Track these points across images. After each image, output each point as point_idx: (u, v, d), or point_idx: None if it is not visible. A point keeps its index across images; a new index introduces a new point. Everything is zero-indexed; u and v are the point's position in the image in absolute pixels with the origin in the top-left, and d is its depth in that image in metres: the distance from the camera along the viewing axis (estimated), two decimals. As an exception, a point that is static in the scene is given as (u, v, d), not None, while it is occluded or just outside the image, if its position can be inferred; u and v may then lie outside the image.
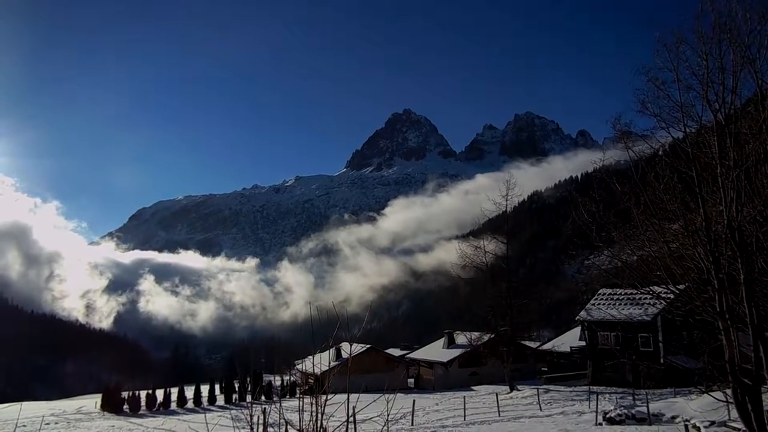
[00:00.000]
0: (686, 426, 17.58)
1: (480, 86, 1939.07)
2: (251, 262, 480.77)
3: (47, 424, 42.35)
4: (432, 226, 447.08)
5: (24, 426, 39.23)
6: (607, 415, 23.67)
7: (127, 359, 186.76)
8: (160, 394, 54.71)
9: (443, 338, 63.05)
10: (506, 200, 46.99)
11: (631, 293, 41.07)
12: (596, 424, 23.85)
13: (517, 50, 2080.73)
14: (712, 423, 18.76)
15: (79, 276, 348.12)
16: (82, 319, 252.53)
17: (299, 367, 63.31)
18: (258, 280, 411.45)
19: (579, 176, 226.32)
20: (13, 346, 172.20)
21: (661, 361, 39.62)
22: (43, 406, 61.70)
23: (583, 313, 46.81)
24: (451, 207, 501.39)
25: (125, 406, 51.60)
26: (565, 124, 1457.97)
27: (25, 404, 55.34)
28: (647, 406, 23.27)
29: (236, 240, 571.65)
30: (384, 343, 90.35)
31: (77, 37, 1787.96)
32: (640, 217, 12.40)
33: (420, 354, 65.63)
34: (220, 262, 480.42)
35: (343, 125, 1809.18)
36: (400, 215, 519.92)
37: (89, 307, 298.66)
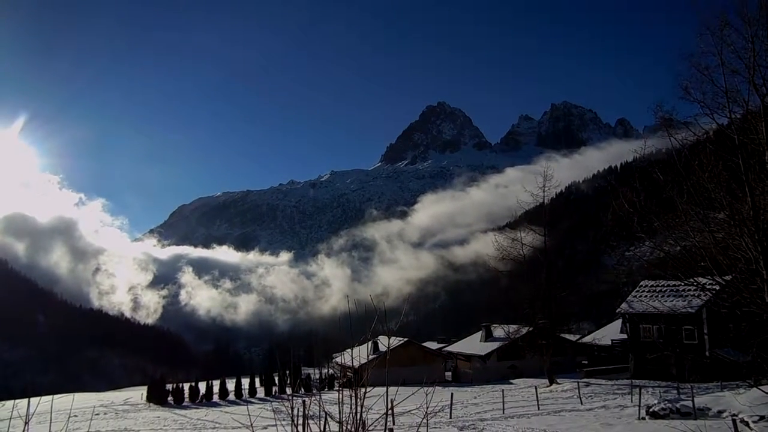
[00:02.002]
0: (734, 421, 17.03)
1: (515, 76, 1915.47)
2: (289, 256, 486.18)
3: (97, 414, 43.95)
4: (463, 220, 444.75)
5: (75, 416, 40.77)
6: (651, 409, 23.12)
7: (171, 352, 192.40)
8: (202, 386, 56.07)
9: (481, 331, 62.72)
10: (544, 191, 46.30)
11: (675, 285, 40.06)
12: (639, 419, 23.35)
13: (552, 38, 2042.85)
14: (762, 418, 18.13)
15: (123, 271, 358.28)
16: (128, 314, 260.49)
17: (337, 360, 63.95)
18: (298, 273, 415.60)
19: (618, 166, 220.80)
20: (63, 339, 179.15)
21: (707, 354, 38.55)
22: (92, 397, 64.04)
23: (624, 306, 45.87)
24: (482, 200, 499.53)
25: (170, 398, 53.07)
26: (604, 112, 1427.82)
27: (77, 395, 57.48)
28: (692, 400, 22.65)
29: (273, 235, 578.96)
30: (421, 337, 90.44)
31: (116, 41, 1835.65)
32: (684, 207, 12.05)
33: (457, 347, 65.48)
34: (258, 256, 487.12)
35: (377, 119, 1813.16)
36: (431, 209, 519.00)
37: (135, 302, 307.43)
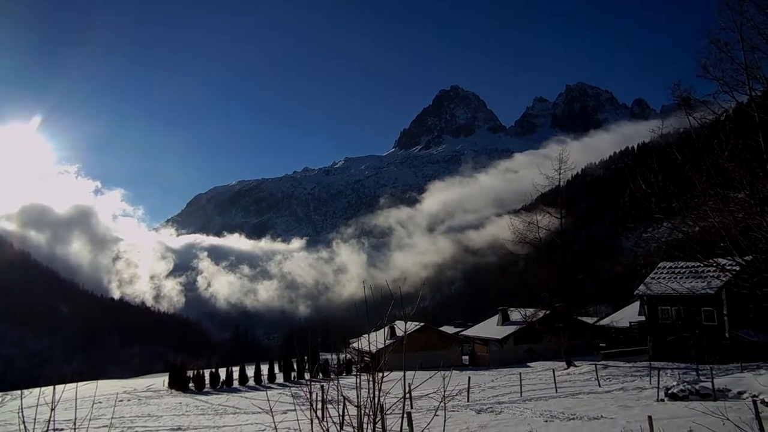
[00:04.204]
0: (755, 402, 16.87)
1: (529, 58, 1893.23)
2: (304, 243, 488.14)
3: (120, 401, 44.83)
4: (472, 205, 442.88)
5: (100, 402, 41.62)
6: (670, 391, 23.01)
7: (191, 340, 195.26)
8: (222, 372, 56.84)
9: (497, 315, 62.70)
10: (559, 174, 45.90)
11: (694, 266, 39.67)
12: (658, 400, 23.25)
13: (567, 19, 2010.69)
14: (783, 398, 17.98)
15: (143, 260, 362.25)
16: (148, 302, 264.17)
17: (355, 345, 64.39)
18: (315, 259, 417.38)
19: (634, 147, 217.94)
20: (86, 328, 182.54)
21: (727, 335, 38.21)
22: (116, 384, 65.22)
23: (642, 287, 45.54)
24: (491, 186, 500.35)
25: (191, 384, 53.90)
26: (620, 93, 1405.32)
27: (100, 383, 58.57)
28: (712, 382, 22.50)
29: (289, 222, 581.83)
30: (437, 321, 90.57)
31: (132, 38, 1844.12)
32: (703, 187, 11.86)
33: (474, 331, 65.54)
34: (274, 244, 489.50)
35: (390, 105, 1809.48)
36: (440, 196, 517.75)
37: (155, 290, 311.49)
